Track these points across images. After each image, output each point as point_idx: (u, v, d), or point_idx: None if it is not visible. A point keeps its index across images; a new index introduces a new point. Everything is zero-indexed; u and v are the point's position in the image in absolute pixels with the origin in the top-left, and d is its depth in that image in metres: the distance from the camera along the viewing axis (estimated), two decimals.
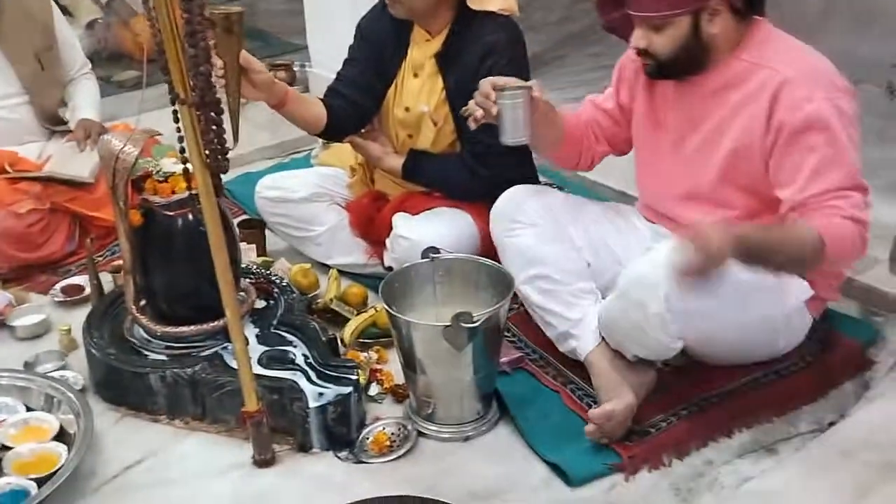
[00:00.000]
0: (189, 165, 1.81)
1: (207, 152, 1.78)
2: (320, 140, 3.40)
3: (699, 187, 2.16)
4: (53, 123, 3.09)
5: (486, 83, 2.11)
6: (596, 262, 2.30)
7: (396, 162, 2.62)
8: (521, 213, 2.27)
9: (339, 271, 2.70)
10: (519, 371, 2.32)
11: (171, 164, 2.21)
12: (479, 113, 2.11)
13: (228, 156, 1.80)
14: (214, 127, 1.76)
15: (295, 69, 4.34)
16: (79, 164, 2.89)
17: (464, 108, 2.16)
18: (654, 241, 2.25)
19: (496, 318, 2.06)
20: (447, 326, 1.99)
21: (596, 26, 5.05)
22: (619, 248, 2.33)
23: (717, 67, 2.07)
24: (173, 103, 1.76)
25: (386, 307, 2.10)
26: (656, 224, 2.34)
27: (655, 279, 1.92)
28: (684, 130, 2.17)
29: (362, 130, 2.68)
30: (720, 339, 2.10)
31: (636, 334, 2.05)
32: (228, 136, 1.78)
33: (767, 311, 2.09)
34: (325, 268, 2.75)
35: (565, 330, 2.24)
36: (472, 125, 2.15)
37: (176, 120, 1.78)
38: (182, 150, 1.84)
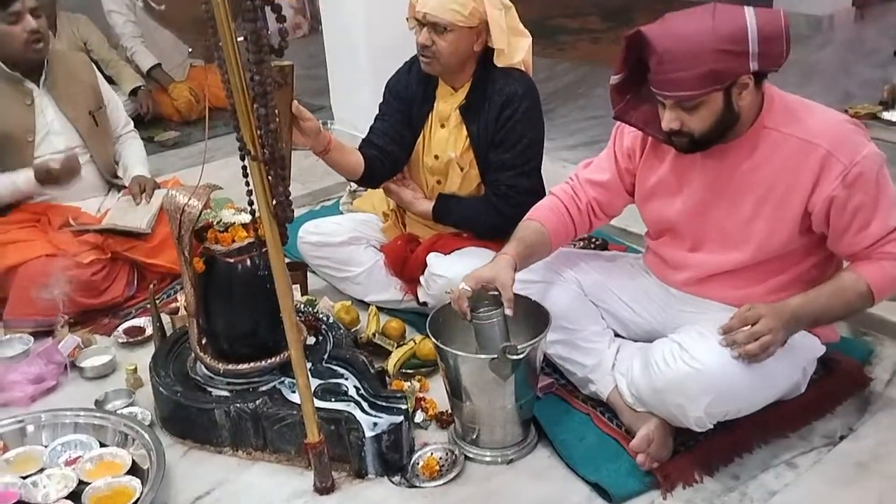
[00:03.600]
0: (250, 214, 1.68)
1: (275, 203, 1.65)
2: (347, 188, 3.30)
3: (726, 256, 1.94)
4: (112, 176, 2.95)
5: (462, 299, 1.88)
6: (603, 303, 2.14)
7: (427, 206, 2.50)
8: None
9: (378, 307, 2.57)
10: (549, 395, 2.19)
11: (230, 215, 2.08)
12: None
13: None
14: (282, 181, 1.63)
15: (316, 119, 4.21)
16: (135, 216, 2.75)
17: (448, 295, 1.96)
18: (664, 296, 2.09)
19: (536, 349, 1.93)
20: (493, 358, 1.86)
21: (579, 83, 5.07)
22: (620, 291, 2.15)
23: (744, 135, 1.84)
24: (243, 159, 1.63)
25: (434, 341, 1.97)
26: (667, 285, 2.11)
27: (698, 390, 1.78)
28: (708, 197, 1.92)
29: (395, 178, 2.57)
30: (748, 410, 1.90)
31: (670, 419, 1.89)
32: None
33: (790, 377, 1.93)
34: (364, 304, 2.62)
35: (584, 375, 2.10)
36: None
37: (245, 175, 1.65)
38: (251, 203, 1.72)
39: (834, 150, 1.77)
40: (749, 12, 1.71)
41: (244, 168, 1.64)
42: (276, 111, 1.67)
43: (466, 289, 1.91)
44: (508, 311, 1.89)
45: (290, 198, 1.67)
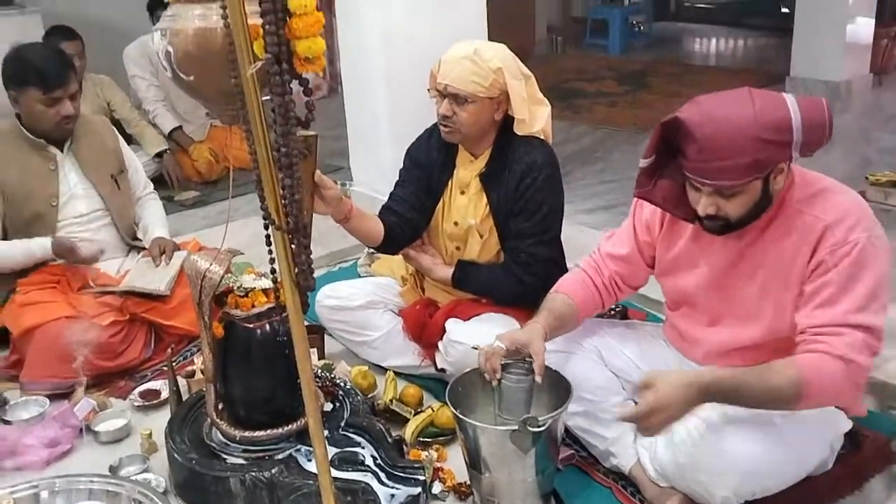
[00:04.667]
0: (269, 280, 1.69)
1: (297, 272, 1.66)
2: (365, 250, 3.33)
3: (743, 331, 1.92)
4: (132, 238, 3.00)
5: (495, 357, 1.89)
6: (622, 373, 2.12)
7: (446, 272, 2.52)
8: None
9: (395, 373, 2.57)
10: (570, 467, 2.16)
11: (250, 280, 2.10)
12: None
13: None
14: (304, 249, 1.65)
15: (338, 187, 4.26)
16: (154, 277, 2.78)
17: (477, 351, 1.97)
18: (683, 368, 2.06)
19: (557, 421, 1.92)
20: (514, 430, 1.84)
21: (597, 147, 5.13)
22: (640, 360, 2.13)
23: (766, 212, 1.84)
24: (266, 227, 1.65)
25: (453, 411, 1.95)
26: (688, 358, 2.09)
27: (723, 469, 1.76)
28: (726, 273, 1.92)
29: (414, 244, 2.58)
30: (777, 488, 1.86)
31: (695, 496, 1.87)
32: None
33: (819, 454, 1.91)
34: (381, 369, 2.62)
35: (605, 448, 2.08)
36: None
37: (268, 243, 1.67)
38: (273, 272, 1.73)
39: (835, 224, 1.76)
40: (791, 101, 1.70)
41: (267, 237, 1.66)
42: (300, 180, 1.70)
43: (501, 346, 1.92)
44: (538, 378, 1.89)
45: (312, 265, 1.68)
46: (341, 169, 4.54)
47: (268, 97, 1.52)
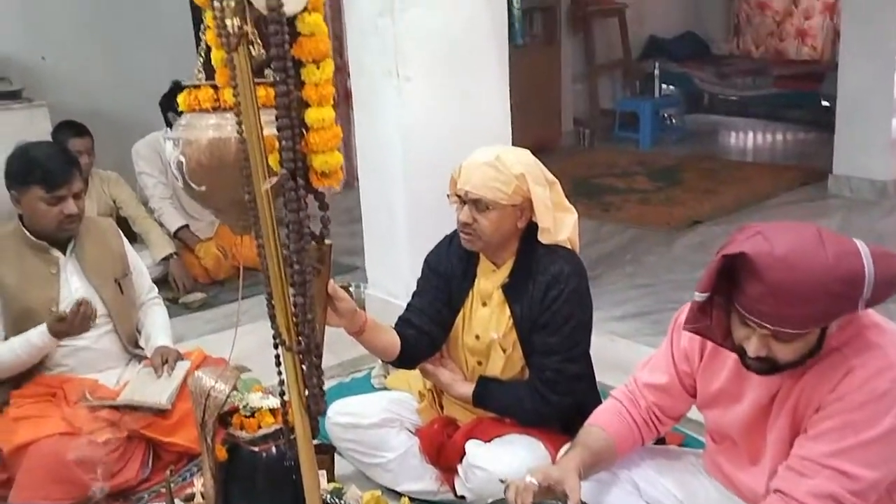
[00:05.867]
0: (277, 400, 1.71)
1: (307, 395, 1.68)
2: (380, 360, 3.34)
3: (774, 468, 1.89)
4: (134, 346, 3.03)
5: (527, 494, 1.88)
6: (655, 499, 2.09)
7: (466, 389, 2.52)
8: None
9: (410, 498, 2.54)
10: None
11: (257, 399, 2.12)
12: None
13: None
14: (316, 370, 1.67)
15: (351, 289, 4.30)
16: (155, 390, 2.80)
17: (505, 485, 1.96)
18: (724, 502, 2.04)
19: None
20: None
21: (627, 248, 5.17)
22: (677, 491, 2.10)
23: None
24: (276, 347, 1.68)
25: None
26: (728, 489, 2.06)
27: None
28: (767, 411, 1.90)
29: (433, 357, 2.59)
30: None
31: None
32: None
33: None
34: (396, 494, 2.59)
35: None
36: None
37: (278, 364, 1.69)
38: (282, 394, 1.75)
39: (859, 366, 1.73)
40: (865, 254, 1.68)
41: (277, 357, 1.69)
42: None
43: (533, 482, 1.90)
44: None
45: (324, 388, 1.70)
46: (356, 269, 4.59)
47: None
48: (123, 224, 4.47)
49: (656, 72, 8.26)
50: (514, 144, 3.93)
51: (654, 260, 4.85)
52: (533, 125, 6.75)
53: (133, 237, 4.39)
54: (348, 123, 4.96)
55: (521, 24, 4.11)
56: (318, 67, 1.53)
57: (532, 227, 2.48)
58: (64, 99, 5.21)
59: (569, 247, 2.51)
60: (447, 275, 2.57)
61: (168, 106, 4.73)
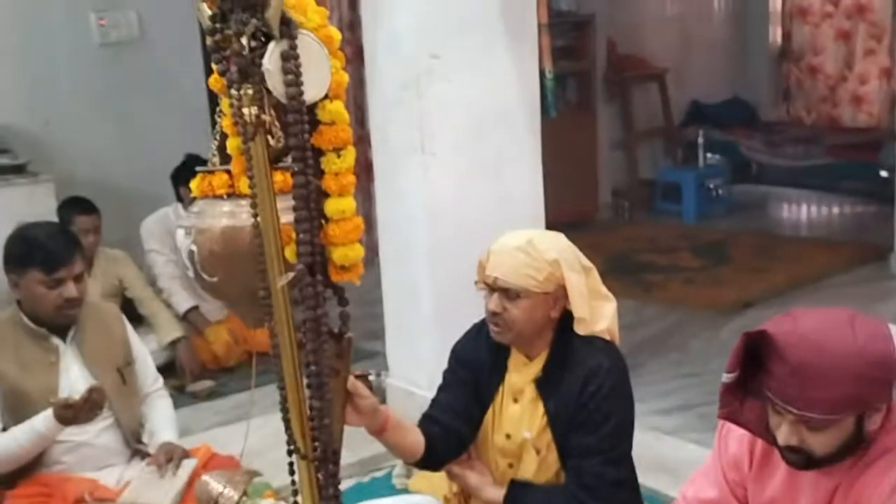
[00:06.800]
0: None
1: None
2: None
3: None
4: (136, 440, 3.04)
5: None
6: None
7: (496, 493, 2.48)
8: None
9: None
10: None
11: None
12: None
13: None
14: (332, 478, 1.66)
15: (371, 378, 4.28)
16: (159, 491, 2.80)
17: None
18: None
19: None
20: None
21: (671, 332, 5.13)
22: None
23: (860, 452, 1.81)
24: (290, 454, 1.68)
25: None
26: None
27: None
28: None
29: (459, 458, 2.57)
30: None
31: None
32: None
33: None
34: None
35: None
36: None
37: (291, 472, 1.69)
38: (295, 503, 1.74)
39: None
40: None
41: (290, 465, 1.68)
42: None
43: None
44: None
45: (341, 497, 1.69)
46: (375, 355, 4.56)
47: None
48: (129, 305, 4.53)
49: (700, 139, 8.28)
50: (547, 218, 3.97)
51: (701, 346, 4.80)
52: (567, 197, 6.77)
53: (139, 319, 4.43)
54: (369, 197, 5.02)
55: (554, 94, 4.15)
56: (338, 156, 1.56)
57: (567, 317, 2.47)
58: (70, 170, 5.30)
59: (607, 338, 2.50)
60: (475, 367, 2.56)
61: (180, 179, 4.82)
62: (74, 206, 4.54)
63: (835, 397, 1.68)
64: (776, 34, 9.73)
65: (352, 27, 6.19)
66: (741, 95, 9.59)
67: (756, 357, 1.81)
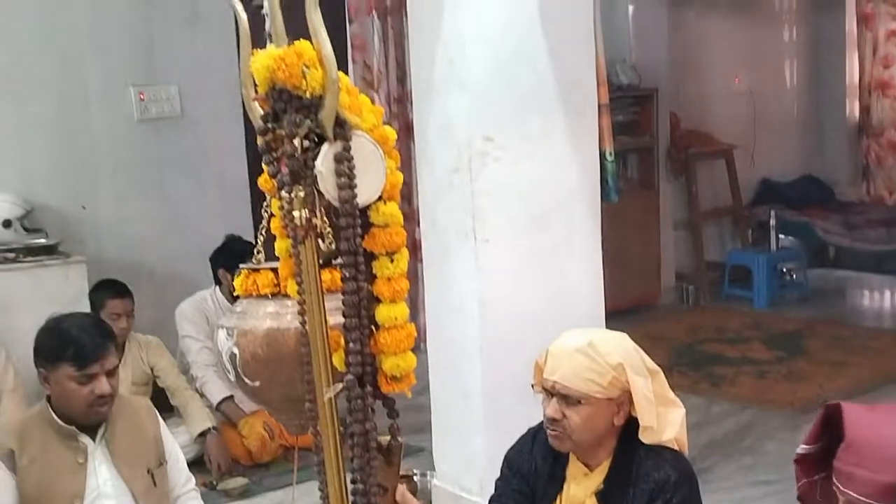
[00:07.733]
0: None
1: None
2: None
3: None
4: None
5: None
6: None
7: None
8: None
9: None
10: None
11: None
12: None
13: None
14: None
15: (416, 479, 4.24)
16: None
17: None
18: None
19: None
20: None
21: (743, 433, 5.04)
22: None
23: None
24: None
25: None
26: None
27: None
28: None
29: None
30: None
31: None
32: None
33: None
34: None
35: None
36: None
37: None
38: None
39: None
40: None
41: None
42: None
43: None
44: None
45: None
46: (421, 452, 4.54)
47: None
48: (160, 394, 4.57)
49: (772, 220, 8.23)
50: (606, 303, 3.95)
51: (777, 448, 4.70)
52: (628, 281, 6.75)
53: (170, 408, 4.46)
54: (416, 280, 5.04)
55: (615, 178, 4.18)
56: (391, 260, 1.59)
57: (631, 424, 2.45)
58: (103, 250, 5.41)
59: (675, 447, 2.47)
60: (531, 477, 2.54)
61: (219, 261, 4.90)
62: (107, 289, 4.63)
63: (878, 480, 1.70)
64: (854, 108, 9.71)
65: (400, 101, 6.32)
66: (816, 173, 9.55)
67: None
